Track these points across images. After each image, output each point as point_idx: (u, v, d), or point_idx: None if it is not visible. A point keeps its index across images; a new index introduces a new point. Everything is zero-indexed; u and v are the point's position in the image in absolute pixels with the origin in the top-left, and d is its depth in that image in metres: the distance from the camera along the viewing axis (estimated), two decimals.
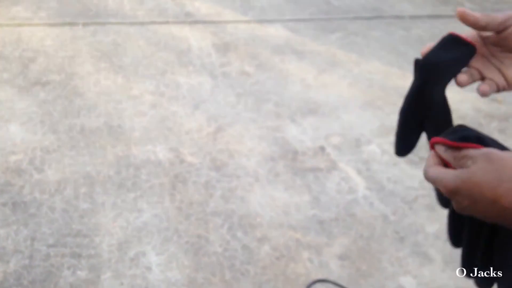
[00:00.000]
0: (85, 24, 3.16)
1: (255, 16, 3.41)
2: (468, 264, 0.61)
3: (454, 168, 0.56)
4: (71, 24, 3.15)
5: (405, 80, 2.80)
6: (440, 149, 0.58)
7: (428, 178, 0.58)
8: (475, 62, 0.67)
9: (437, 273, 1.72)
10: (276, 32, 3.23)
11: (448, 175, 0.55)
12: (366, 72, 2.87)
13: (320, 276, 1.69)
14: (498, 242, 0.58)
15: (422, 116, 0.67)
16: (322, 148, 2.26)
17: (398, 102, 2.61)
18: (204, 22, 3.30)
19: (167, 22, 3.25)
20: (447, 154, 0.57)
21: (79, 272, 1.66)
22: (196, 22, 3.29)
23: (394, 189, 2.06)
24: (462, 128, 0.59)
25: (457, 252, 0.63)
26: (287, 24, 3.33)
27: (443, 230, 1.88)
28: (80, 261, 1.69)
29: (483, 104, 2.62)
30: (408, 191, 2.05)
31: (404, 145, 0.70)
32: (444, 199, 0.62)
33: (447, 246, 1.81)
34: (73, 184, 1.99)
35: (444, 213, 2.10)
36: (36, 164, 2.08)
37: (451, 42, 0.66)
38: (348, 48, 3.09)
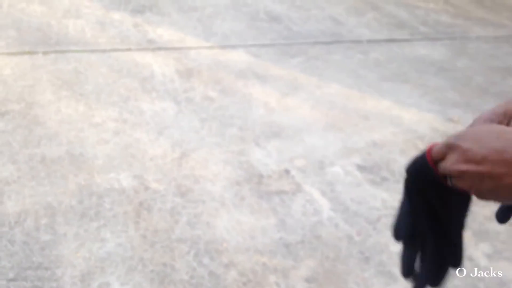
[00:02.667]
0: (45, 53, 3.12)
1: (217, 42, 3.45)
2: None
3: None
4: (31, 52, 3.11)
5: (365, 102, 2.87)
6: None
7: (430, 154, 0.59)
8: None
9: None
10: (239, 57, 3.27)
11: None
12: (327, 94, 2.93)
13: None
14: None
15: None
16: (287, 171, 2.29)
17: (359, 123, 2.69)
18: (166, 48, 3.31)
19: (129, 49, 3.25)
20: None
21: None
22: (158, 48, 3.30)
23: (358, 210, 2.09)
24: None
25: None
26: (249, 49, 3.38)
27: None
28: None
29: (440, 124, 2.71)
30: (372, 211, 2.09)
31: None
32: (504, 212, 0.63)
33: None
34: (34, 216, 1.94)
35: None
36: None
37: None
38: (309, 72, 3.15)
